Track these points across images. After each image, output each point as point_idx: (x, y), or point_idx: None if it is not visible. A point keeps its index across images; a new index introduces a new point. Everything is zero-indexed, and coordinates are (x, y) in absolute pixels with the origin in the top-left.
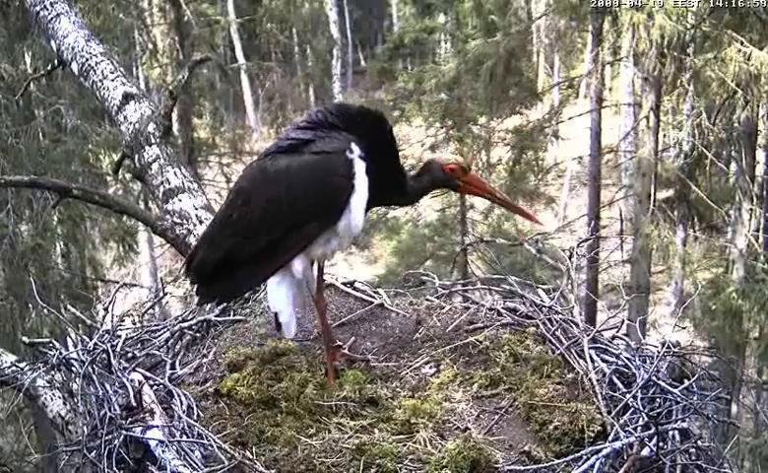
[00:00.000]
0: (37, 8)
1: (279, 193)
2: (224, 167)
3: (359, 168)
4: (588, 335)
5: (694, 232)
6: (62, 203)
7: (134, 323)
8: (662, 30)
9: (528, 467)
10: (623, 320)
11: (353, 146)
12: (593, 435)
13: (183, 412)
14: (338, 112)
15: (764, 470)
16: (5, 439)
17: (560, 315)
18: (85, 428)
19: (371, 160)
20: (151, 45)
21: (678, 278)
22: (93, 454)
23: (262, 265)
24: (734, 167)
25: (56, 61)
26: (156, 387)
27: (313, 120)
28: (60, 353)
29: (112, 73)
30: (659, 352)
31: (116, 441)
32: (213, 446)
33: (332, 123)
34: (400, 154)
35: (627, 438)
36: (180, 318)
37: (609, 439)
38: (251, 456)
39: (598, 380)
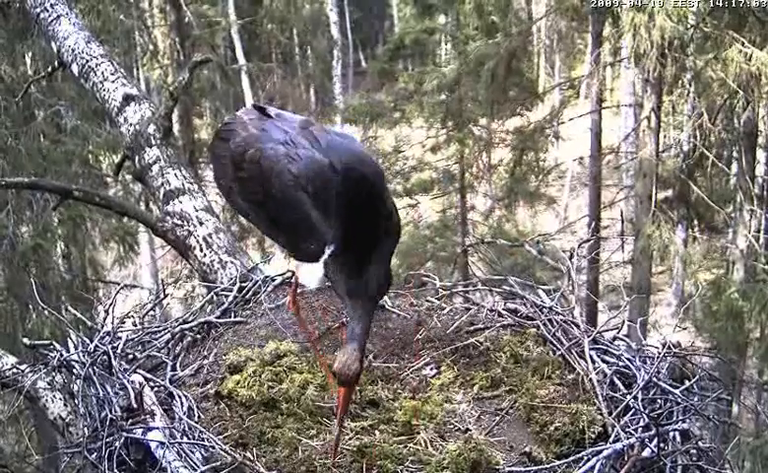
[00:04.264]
0: (38, 9)
1: (270, 207)
2: None
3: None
4: (588, 336)
5: (693, 232)
6: (62, 204)
7: (135, 325)
8: (662, 30)
9: (528, 468)
10: (624, 321)
11: (326, 249)
12: (594, 436)
13: (184, 413)
14: (344, 193)
15: (765, 470)
16: (6, 440)
17: (561, 316)
18: (85, 429)
19: (338, 261)
20: (151, 47)
21: (679, 279)
22: (93, 456)
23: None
24: (734, 167)
25: (56, 63)
26: (156, 389)
27: (334, 176)
28: (61, 354)
29: (113, 74)
30: (659, 353)
31: (117, 443)
32: (214, 448)
33: (339, 195)
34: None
35: (628, 439)
36: (181, 320)
37: (610, 440)
38: (252, 458)
39: (598, 381)
